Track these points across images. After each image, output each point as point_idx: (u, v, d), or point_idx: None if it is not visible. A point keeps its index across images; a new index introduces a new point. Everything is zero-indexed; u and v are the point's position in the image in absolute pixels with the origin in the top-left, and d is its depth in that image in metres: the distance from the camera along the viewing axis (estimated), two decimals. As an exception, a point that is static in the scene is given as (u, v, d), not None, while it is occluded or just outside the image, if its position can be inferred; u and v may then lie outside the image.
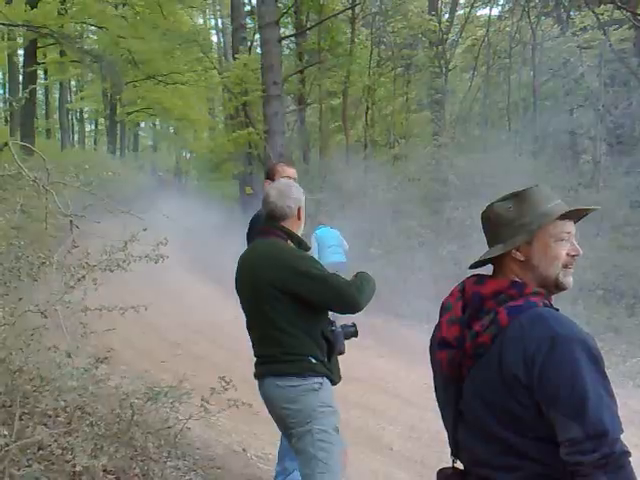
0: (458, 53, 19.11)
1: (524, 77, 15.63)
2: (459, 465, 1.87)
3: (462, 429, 1.80)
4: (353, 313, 2.94)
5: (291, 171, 3.79)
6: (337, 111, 20.06)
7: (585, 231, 9.67)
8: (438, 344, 1.83)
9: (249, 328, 3.10)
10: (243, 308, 3.10)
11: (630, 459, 1.54)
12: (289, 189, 3.11)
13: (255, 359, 3.10)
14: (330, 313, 3.10)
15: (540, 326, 1.62)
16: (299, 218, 3.12)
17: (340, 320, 3.19)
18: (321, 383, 2.95)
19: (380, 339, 8.30)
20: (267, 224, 3.10)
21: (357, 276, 3.00)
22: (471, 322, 1.74)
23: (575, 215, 1.80)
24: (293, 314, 2.90)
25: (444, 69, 16.66)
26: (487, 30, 16.33)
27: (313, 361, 2.93)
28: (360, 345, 7.92)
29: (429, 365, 1.93)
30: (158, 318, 8.24)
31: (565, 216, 1.76)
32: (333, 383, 3.05)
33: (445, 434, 1.91)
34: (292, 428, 2.98)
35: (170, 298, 10.18)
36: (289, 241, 3.04)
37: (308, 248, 3.17)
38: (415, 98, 19.39)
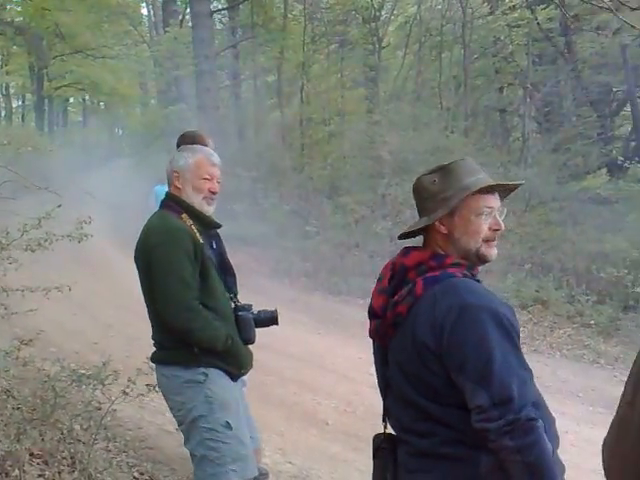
0: (391, 31, 19.10)
1: (455, 55, 15.79)
2: (390, 430, 1.91)
3: (389, 396, 1.86)
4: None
5: (209, 140, 3.49)
6: (272, 87, 19.85)
7: (513, 207, 9.93)
8: (368, 313, 1.88)
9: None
10: None
11: (538, 424, 1.56)
12: (176, 153, 2.83)
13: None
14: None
15: (451, 295, 1.65)
16: (180, 186, 2.74)
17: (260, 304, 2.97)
18: (206, 374, 2.67)
19: (316, 316, 8.35)
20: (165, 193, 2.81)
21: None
22: (395, 292, 1.78)
23: (499, 190, 1.82)
24: None
25: (377, 46, 16.64)
26: (418, 7, 16.41)
27: (196, 350, 2.64)
28: (296, 322, 8.01)
29: (364, 340, 1.94)
30: (90, 299, 8.06)
31: (487, 190, 1.77)
32: (231, 375, 2.78)
33: (380, 407, 1.96)
34: (180, 423, 2.75)
35: (102, 279, 9.93)
36: (184, 214, 2.71)
37: (212, 224, 2.84)
38: (349, 75, 19.34)
